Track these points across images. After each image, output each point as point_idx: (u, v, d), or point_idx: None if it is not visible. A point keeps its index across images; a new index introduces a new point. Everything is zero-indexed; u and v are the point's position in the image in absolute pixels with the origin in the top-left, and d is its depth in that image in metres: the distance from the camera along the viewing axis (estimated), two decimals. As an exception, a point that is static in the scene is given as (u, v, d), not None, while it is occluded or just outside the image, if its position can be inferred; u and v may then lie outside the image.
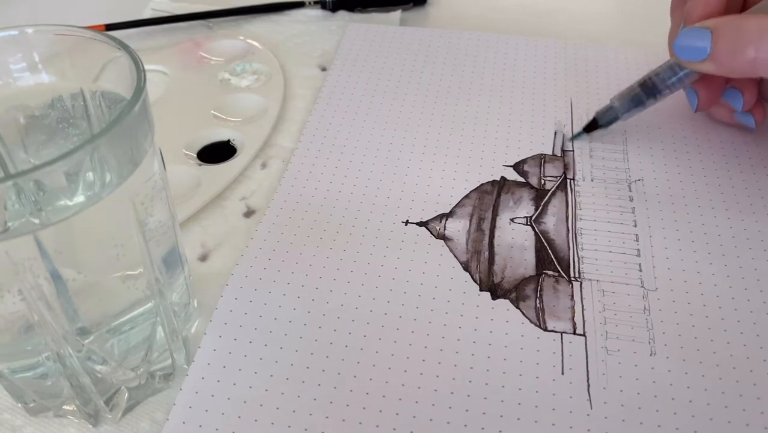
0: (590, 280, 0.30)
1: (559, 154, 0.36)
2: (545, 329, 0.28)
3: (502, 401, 0.25)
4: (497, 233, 0.32)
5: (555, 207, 0.33)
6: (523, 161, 0.36)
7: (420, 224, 0.32)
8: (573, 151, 0.37)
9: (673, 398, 0.25)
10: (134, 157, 0.20)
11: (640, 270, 0.30)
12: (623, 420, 0.25)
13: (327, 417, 0.25)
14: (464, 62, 0.44)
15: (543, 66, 0.43)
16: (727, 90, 0.35)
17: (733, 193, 0.34)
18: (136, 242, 0.21)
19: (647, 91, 0.34)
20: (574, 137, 0.37)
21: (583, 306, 0.29)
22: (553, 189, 0.34)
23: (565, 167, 0.35)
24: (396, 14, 0.49)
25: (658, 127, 0.38)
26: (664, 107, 0.40)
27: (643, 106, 0.35)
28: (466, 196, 0.34)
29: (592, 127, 0.37)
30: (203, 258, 0.31)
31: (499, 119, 0.39)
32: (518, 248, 0.31)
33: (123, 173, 0.20)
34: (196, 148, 0.37)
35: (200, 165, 0.36)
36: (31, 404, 0.24)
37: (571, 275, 0.30)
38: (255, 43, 0.45)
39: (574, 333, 0.27)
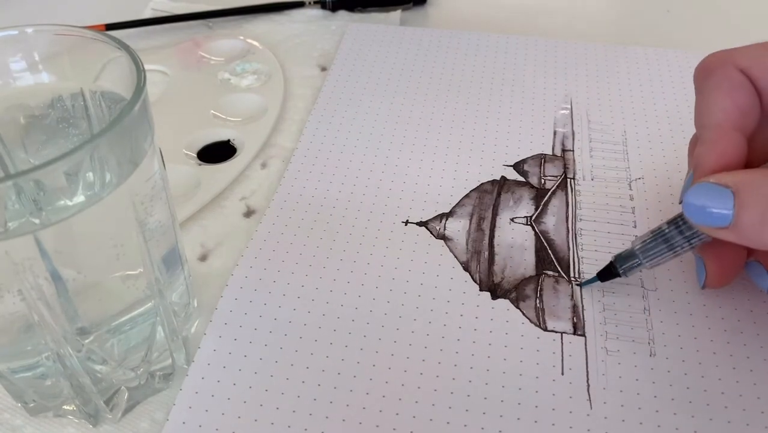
0: (590, 280, 0.30)
1: (559, 154, 0.36)
2: (545, 329, 0.28)
3: (502, 401, 0.25)
4: (497, 233, 0.32)
5: (555, 207, 0.33)
6: (524, 161, 0.36)
7: (420, 223, 0.32)
8: (573, 150, 0.36)
9: (673, 398, 0.25)
10: (134, 157, 0.20)
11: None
12: (623, 420, 0.25)
13: (327, 417, 0.25)
14: (464, 62, 0.44)
15: (543, 66, 0.43)
16: (749, 264, 0.27)
17: (733, 193, 0.34)
18: (136, 242, 0.21)
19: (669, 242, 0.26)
20: (583, 284, 0.29)
21: (583, 306, 0.29)
22: (553, 189, 0.34)
23: (566, 167, 0.35)
24: (396, 14, 0.49)
25: (657, 125, 0.38)
26: (665, 108, 0.40)
27: (674, 253, 0.26)
28: (466, 196, 0.34)
29: (608, 274, 0.29)
30: (203, 258, 0.31)
31: (499, 119, 0.39)
32: (518, 248, 0.31)
33: (123, 173, 0.20)
34: (196, 148, 0.37)
35: (200, 165, 0.36)
36: (31, 404, 0.24)
37: (571, 275, 0.30)
38: (255, 43, 0.45)
39: (574, 333, 0.27)
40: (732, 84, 0.26)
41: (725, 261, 0.27)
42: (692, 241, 0.26)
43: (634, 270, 0.28)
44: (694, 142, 0.28)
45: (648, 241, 0.27)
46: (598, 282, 0.29)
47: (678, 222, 0.26)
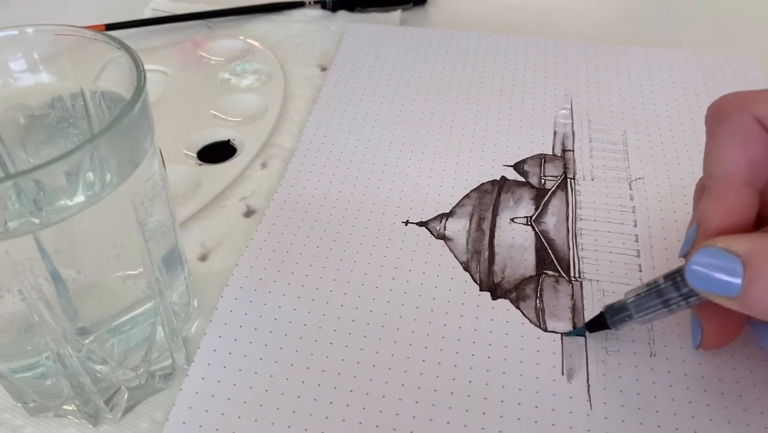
0: (590, 280, 0.30)
1: (559, 154, 0.36)
2: (545, 330, 0.28)
3: (502, 401, 0.25)
4: (497, 233, 0.32)
5: (555, 207, 0.33)
6: (524, 161, 0.36)
7: (420, 224, 0.32)
8: (573, 150, 0.36)
9: (672, 399, 0.25)
10: (134, 157, 0.20)
11: (640, 270, 0.30)
12: (623, 420, 0.25)
13: (327, 417, 0.25)
14: (464, 62, 0.44)
15: (543, 66, 0.43)
16: (755, 325, 0.26)
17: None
18: (136, 242, 0.21)
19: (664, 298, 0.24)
20: (570, 333, 0.27)
21: (583, 306, 0.29)
22: (553, 189, 0.34)
23: (566, 167, 0.35)
24: (396, 14, 0.49)
25: (657, 125, 0.38)
26: (665, 108, 0.40)
27: (669, 310, 0.24)
28: (466, 196, 0.34)
29: (597, 325, 0.27)
30: (203, 258, 0.31)
31: (499, 119, 0.39)
32: (518, 248, 0.31)
33: (123, 173, 0.20)
34: (196, 148, 0.37)
35: (200, 165, 0.36)
36: (31, 404, 0.24)
37: (572, 275, 0.30)
38: (255, 43, 0.45)
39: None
40: (747, 134, 0.23)
41: (725, 322, 0.25)
42: (690, 300, 0.23)
43: (625, 324, 0.25)
44: (701, 189, 0.26)
45: (642, 294, 0.25)
46: (586, 333, 0.27)
47: (676, 278, 0.23)
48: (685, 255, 0.24)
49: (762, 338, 0.25)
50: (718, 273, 0.21)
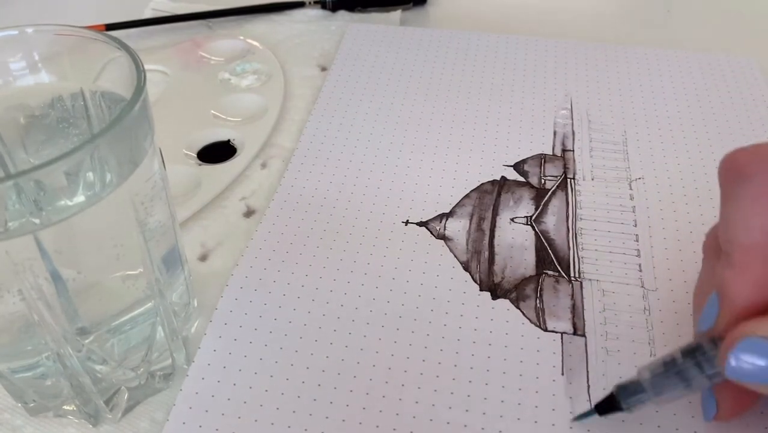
0: (590, 280, 0.30)
1: (559, 154, 0.36)
2: (545, 329, 0.28)
3: (502, 401, 0.25)
4: (497, 233, 0.32)
5: (555, 207, 0.33)
6: (524, 161, 0.36)
7: (420, 224, 0.32)
8: (573, 150, 0.36)
9: (673, 398, 0.25)
10: (134, 157, 0.20)
11: (640, 270, 0.30)
12: (623, 420, 0.25)
13: (327, 417, 0.25)
14: (464, 62, 0.44)
15: (543, 66, 0.43)
16: None
17: (733, 193, 0.34)
18: (136, 242, 0.21)
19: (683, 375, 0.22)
20: (579, 417, 0.24)
21: (583, 306, 0.29)
22: (553, 188, 0.34)
23: (566, 167, 0.35)
24: (396, 14, 0.49)
25: (657, 125, 0.38)
26: (665, 108, 0.40)
27: (689, 389, 0.22)
28: (466, 196, 0.34)
29: (608, 407, 0.24)
30: (203, 258, 0.31)
31: (499, 119, 0.39)
32: (518, 248, 0.31)
33: (123, 173, 0.20)
34: (196, 148, 0.37)
35: (200, 165, 0.36)
36: (31, 404, 0.24)
37: (572, 275, 0.30)
38: (255, 43, 0.45)
39: (574, 333, 0.27)
40: None
41: (743, 395, 0.23)
42: (714, 379, 0.21)
43: (642, 405, 0.23)
44: (713, 238, 0.24)
45: (659, 374, 0.22)
46: (596, 416, 0.24)
47: (697, 356, 0.21)
48: (705, 331, 0.22)
49: None
50: (763, 364, 0.19)
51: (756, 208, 0.21)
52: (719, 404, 0.23)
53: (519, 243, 0.31)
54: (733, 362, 0.20)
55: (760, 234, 0.21)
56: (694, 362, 0.22)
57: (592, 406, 0.24)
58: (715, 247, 0.23)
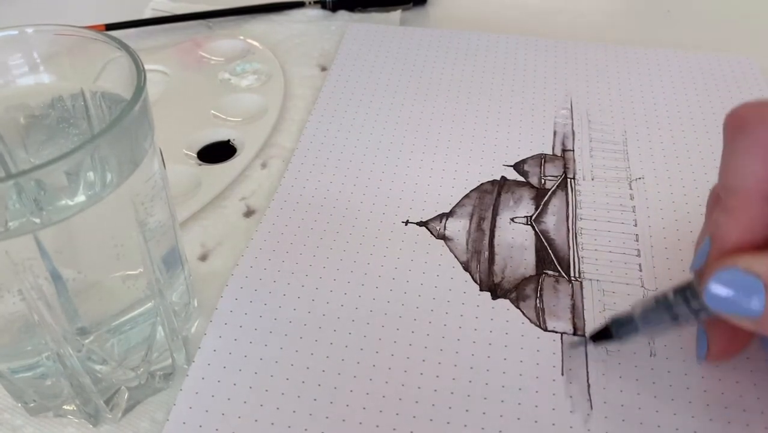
0: (590, 280, 0.30)
1: (559, 154, 0.36)
2: (545, 329, 0.28)
3: (502, 401, 0.25)
4: (497, 233, 0.32)
5: (555, 206, 0.33)
6: (524, 161, 0.36)
7: (420, 223, 0.32)
8: (573, 150, 0.37)
9: (673, 399, 0.25)
10: (134, 157, 0.20)
11: (640, 270, 0.30)
12: (623, 420, 0.25)
13: (327, 417, 0.25)
14: (464, 62, 0.44)
15: (543, 66, 0.43)
16: (764, 340, 0.26)
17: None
18: (136, 242, 0.21)
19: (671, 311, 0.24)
20: (573, 343, 0.27)
21: (583, 306, 0.29)
22: (553, 188, 0.34)
23: (566, 166, 0.35)
24: (396, 14, 0.49)
25: (657, 125, 0.38)
26: (665, 108, 0.40)
27: (677, 324, 0.24)
28: (466, 196, 0.34)
29: (601, 336, 0.26)
30: (203, 258, 0.31)
31: (499, 119, 0.39)
32: (518, 248, 0.31)
33: (123, 173, 0.20)
34: (196, 148, 0.37)
35: (200, 165, 0.36)
36: (31, 404, 0.24)
37: (572, 274, 0.30)
38: (255, 43, 0.45)
39: (575, 333, 0.27)
40: None
41: (733, 334, 0.24)
42: (700, 314, 0.23)
43: (630, 337, 0.25)
44: (715, 198, 0.25)
45: (650, 308, 0.24)
46: (591, 346, 0.27)
47: (686, 293, 0.23)
48: (697, 270, 0.23)
49: None
50: (739, 295, 0.21)
51: (752, 156, 0.22)
52: (710, 344, 0.25)
53: (519, 243, 0.31)
54: (711, 290, 0.21)
55: (753, 180, 0.22)
56: (682, 297, 0.23)
57: (588, 336, 0.26)
58: (716, 203, 0.24)
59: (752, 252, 0.21)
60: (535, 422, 0.25)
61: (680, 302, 0.23)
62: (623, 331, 0.25)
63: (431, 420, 0.25)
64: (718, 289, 0.21)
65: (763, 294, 0.20)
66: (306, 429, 0.24)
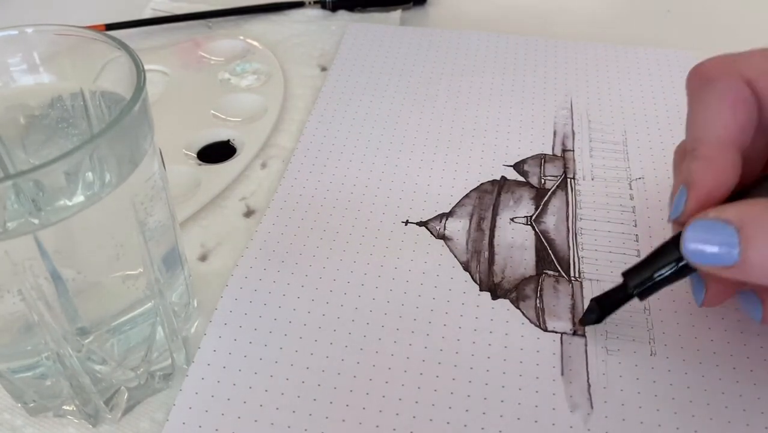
0: (590, 280, 0.30)
1: (559, 154, 0.36)
2: (545, 329, 0.28)
3: (502, 401, 0.25)
4: (497, 233, 0.32)
5: (555, 206, 0.33)
6: (524, 161, 0.36)
7: (420, 223, 0.32)
8: (573, 150, 0.36)
9: (673, 398, 0.25)
10: (134, 157, 0.20)
11: (641, 270, 0.30)
12: (624, 419, 0.25)
13: (327, 417, 0.25)
14: (464, 62, 0.43)
15: (543, 66, 0.43)
16: (741, 294, 0.26)
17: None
18: (136, 242, 0.21)
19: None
20: (587, 319, 0.27)
21: (583, 306, 0.29)
22: (553, 188, 0.34)
23: (566, 166, 0.35)
24: (396, 14, 0.49)
25: (657, 124, 0.38)
26: (665, 108, 0.40)
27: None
28: (466, 196, 0.34)
29: (613, 303, 0.27)
30: (203, 258, 0.31)
31: (499, 119, 0.39)
32: (518, 248, 0.31)
33: (123, 173, 0.20)
34: (196, 148, 0.37)
35: (200, 165, 0.36)
36: (31, 404, 0.24)
37: (572, 274, 0.30)
38: (255, 43, 0.45)
39: (575, 333, 0.27)
40: (736, 97, 0.24)
41: (724, 282, 0.25)
42: (681, 263, 0.23)
43: (647, 292, 0.25)
44: (682, 152, 0.26)
45: (651, 255, 0.24)
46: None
47: (677, 241, 0.23)
48: (675, 220, 0.24)
49: (748, 306, 0.25)
50: (715, 245, 0.21)
51: (719, 107, 0.24)
52: (708, 290, 0.25)
53: (519, 243, 0.31)
54: (688, 244, 0.22)
55: (722, 130, 0.23)
56: (675, 245, 0.23)
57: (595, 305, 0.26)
58: (682, 159, 0.25)
59: (725, 204, 0.22)
60: (535, 422, 0.25)
61: (673, 248, 0.23)
62: (640, 284, 0.24)
63: (431, 420, 0.25)
64: (694, 242, 0.22)
65: (736, 240, 0.20)
66: (306, 429, 0.24)
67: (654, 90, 0.41)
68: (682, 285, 0.29)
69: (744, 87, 0.24)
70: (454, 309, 0.28)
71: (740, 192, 0.23)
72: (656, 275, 0.24)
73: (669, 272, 0.24)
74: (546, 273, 0.30)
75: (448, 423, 0.25)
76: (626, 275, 0.25)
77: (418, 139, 0.37)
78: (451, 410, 0.25)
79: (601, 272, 0.30)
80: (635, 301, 0.29)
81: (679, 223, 0.24)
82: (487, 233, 0.32)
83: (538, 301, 0.29)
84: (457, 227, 0.32)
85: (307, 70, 0.43)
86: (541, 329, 0.28)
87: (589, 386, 0.26)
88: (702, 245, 0.21)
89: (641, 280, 0.24)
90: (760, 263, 0.20)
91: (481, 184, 0.34)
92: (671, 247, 0.24)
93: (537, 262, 0.30)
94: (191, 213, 0.33)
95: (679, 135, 0.37)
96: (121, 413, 0.25)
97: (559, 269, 0.30)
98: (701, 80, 0.25)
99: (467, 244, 0.31)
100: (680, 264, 0.23)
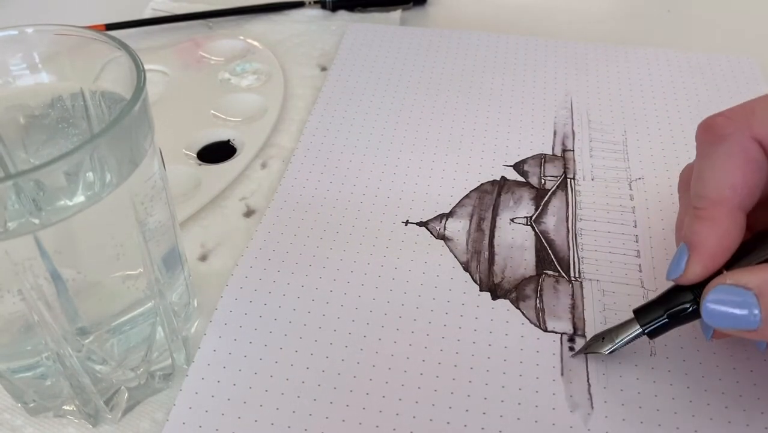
0: (590, 280, 0.30)
1: (559, 154, 0.36)
2: (545, 330, 0.28)
3: (502, 401, 0.25)
4: (497, 233, 0.32)
5: (555, 207, 0.33)
6: (524, 161, 0.36)
7: (420, 224, 0.32)
8: (573, 150, 0.36)
9: (673, 398, 0.25)
10: (134, 157, 0.20)
11: (640, 270, 0.30)
12: (624, 419, 0.25)
13: (327, 418, 0.25)
14: (464, 62, 0.43)
15: (543, 66, 0.43)
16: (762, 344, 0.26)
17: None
18: (136, 242, 0.21)
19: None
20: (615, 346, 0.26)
21: (583, 306, 0.29)
22: (553, 189, 0.34)
23: (566, 167, 0.35)
24: (396, 14, 0.49)
25: (657, 125, 0.38)
26: (665, 108, 0.40)
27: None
28: (466, 196, 0.34)
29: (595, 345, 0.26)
30: (203, 258, 0.31)
31: (499, 119, 0.39)
32: (518, 248, 0.31)
33: (123, 173, 0.20)
34: (196, 148, 0.37)
35: (200, 165, 0.36)
36: (31, 404, 0.24)
37: (572, 275, 0.30)
38: (255, 43, 0.45)
39: (575, 333, 0.27)
40: (747, 157, 0.23)
41: None
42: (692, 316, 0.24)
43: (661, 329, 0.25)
44: (686, 178, 0.26)
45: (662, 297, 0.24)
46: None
47: (673, 301, 0.24)
48: (674, 279, 0.24)
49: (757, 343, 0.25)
50: (736, 309, 0.21)
51: (728, 166, 0.23)
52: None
53: (519, 243, 0.31)
54: (708, 306, 0.22)
55: (729, 191, 0.23)
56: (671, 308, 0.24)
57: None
58: (686, 189, 0.25)
59: (741, 269, 0.22)
60: (535, 422, 0.25)
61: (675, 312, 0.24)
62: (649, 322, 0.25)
63: (431, 420, 0.25)
64: (714, 305, 0.22)
65: (756, 306, 0.21)
66: (306, 429, 0.24)
67: (654, 90, 0.41)
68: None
69: (755, 147, 0.23)
70: (454, 309, 0.28)
71: (744, 244, 0.23)
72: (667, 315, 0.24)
73: (682, 314, 0.24)
74: (546, 273, 0.30)
75: (448, 423, 0.25)
76: (637, 312, 0.25)
77: (418, 139, 0.37)
78: (451, 410, 0.25)
79: (601, 272, 0.30)
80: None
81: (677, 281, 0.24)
82: (487, 233, 0.32)
83: (538, 301, 0.29)
84: (457, 227, 0.32)
85: (307, 70, 0.43)
86: (541, 329, 0.28)
87: (589, 386, 0.26)
88: (724, 309, 0.22)
89: (652, 318, 0.25)
90: None
91: (481, 184, 0.34)
92: (685, 292, 0.24)
93: (537, 262, 0.30)
94: (191, 213, 0.33)
95: (680, 135, 0.37)
96: (121, 413, 0.25)
97: (559, 269, 0.30)
98: (712, 136, 0.24)
99: (467, 244, 0.31)
100: (691, 308, 0.24)
